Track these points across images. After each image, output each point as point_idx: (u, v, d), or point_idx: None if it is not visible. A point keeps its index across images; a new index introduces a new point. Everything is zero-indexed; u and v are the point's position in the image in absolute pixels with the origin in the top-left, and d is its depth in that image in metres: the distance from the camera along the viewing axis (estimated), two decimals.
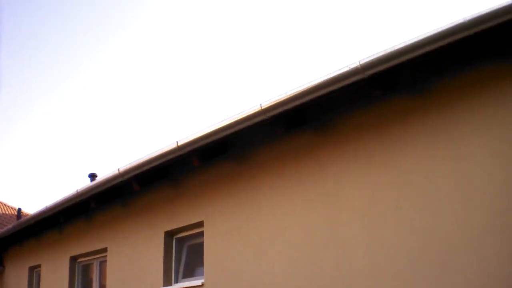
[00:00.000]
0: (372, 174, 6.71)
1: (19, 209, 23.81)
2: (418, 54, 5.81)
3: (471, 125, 5.97)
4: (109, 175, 9.88)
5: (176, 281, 9.68)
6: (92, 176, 15.72)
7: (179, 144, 8.21)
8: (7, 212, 24.44)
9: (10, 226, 15.66)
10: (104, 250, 11.60)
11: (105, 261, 11.67)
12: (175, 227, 9.72)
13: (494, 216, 5.67)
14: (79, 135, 42.47)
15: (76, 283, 12.89)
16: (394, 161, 6.54)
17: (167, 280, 9.63)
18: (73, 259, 12.86)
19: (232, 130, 7.61)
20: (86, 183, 12.92)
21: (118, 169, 9.70)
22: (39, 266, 14.80)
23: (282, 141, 7.79)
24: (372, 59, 6.00)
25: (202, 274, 9.02)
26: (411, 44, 5.76)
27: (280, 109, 6.94)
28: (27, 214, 23.87)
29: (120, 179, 9.70)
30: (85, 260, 12.80)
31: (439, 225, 6.06)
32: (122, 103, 41.94)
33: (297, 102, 6.80)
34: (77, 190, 10.93)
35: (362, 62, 6.03)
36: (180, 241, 9.89)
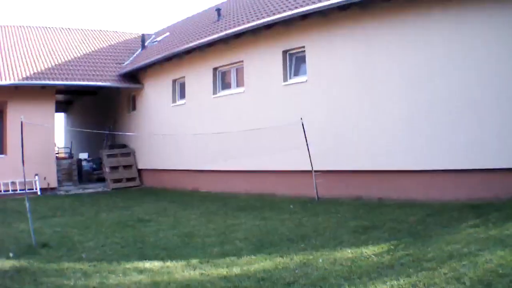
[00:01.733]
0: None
1: (143, 35, 26.73)
2: None
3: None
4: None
5: (290, 78, 15.10)
6: (218, 10, 19.99)
7: None
8: (130, 38, 27.95)
9: (159, 55, 19.50)
10: (240, 62, 16.68)
11: (241, 68, 16.68)
12: (289, 48, 14.94)
13: None
14: None
15: (217, 83, 17.94)
16: None
17: (285, 78, 15.10)
18: (215, 69, 17.87)
19: None
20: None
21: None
22: (182, 77, 19.61)
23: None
24: None
25: (305, 74, 14.49)
26: None
27: None
28: (149, 37, 27.53)
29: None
30: (224, 68, 17.70)
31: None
32: None
33: None
34: (225, 33, 15.84)
35: None
36: (291, 55, 15.12)
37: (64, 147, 31.12)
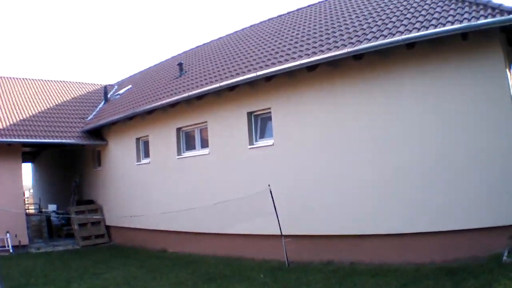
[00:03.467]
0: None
1: (105, 87, 26.40)
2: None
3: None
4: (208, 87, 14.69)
5: (256, 141, 14.69)
6: (180, 65, 19.69)
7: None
8: (92, 89, 27.67)
9: (121, 114, 19.03)
10: (204, 122, 16.24)
11: (205, 128, 16.23)
12: (254, 109, 14.59)
13: None
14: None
15: (181, 143, 17.46)
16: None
17: (250, 141, 14.68)
18: (178, 129, 17.41)
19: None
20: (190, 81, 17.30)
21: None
22: (146, 136, 19.14)
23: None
24: None
25: (271, 136, 14.11)
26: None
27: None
28: (111, 88, 27.32)
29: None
30: (188, 129, 17.25)
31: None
32: None
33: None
34: (188, 94, 15.44)
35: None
36: (256, 116, 14.74)
37: (33, 203, 30.35)
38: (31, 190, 35.66)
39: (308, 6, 20.11)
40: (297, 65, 12.45)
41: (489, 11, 10.21)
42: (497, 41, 10.30)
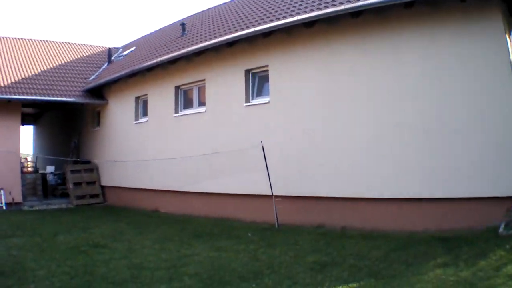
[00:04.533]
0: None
1: (109, 49, 25.92)
2: None
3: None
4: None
5: (253, 99, 14.19)
6: (182, 25, 19.27)
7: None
8: (97, 51, 27.23)
9: (122, 72, 18.58)
10: (202, 80, 15.78)
11: (203, 86, 15.78)
12: (252, 67, 14.09)
13: None
14: None
15: (179, 102, 17.01)
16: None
17: (247, 99, 14.19)
18: (177, 87, 16.97)
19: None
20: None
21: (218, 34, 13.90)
22: (145, 95, 18.79)
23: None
24: None
25: (268, 95, 13.61)
26: None
27: None
28: (116, 50, 26.94)
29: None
30: (186, 87, 16.82)
31: None
32: None
33: None
34: (186, 50, 14.97)
35: None
36: (254, 74, 14.25)
37: (31, 161, 30.01)
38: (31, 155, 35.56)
39: None
40: (294, 21, 11.93)
41: None
42: (497, 8, 9.68)
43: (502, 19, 9.68)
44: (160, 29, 26.59)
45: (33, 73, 21.66)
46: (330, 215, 11.78)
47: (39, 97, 19.65)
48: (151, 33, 27.23)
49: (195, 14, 24.07)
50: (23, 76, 20.87)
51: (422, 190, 10.38)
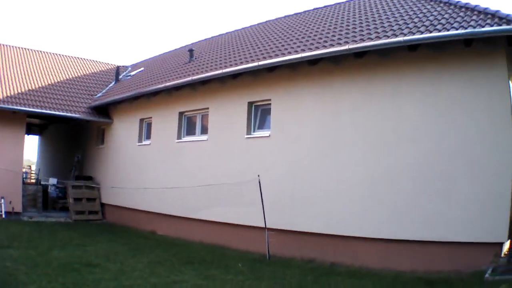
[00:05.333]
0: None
1: (118, 67, 26.35)
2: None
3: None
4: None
5: (254, 131, 14.42)
6: (190, 51, 19.61)
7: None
8: (106, 69, 27.57)
9: (128, 93, 19.01)
10: (206, 109, 16.03)
11: (207, 114, 16.02)
12: (255, 99, 14.32)
13: None
14: None
15: (182, 128, 17.26)
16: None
17: (248, 131, 14.43)
18: (181, 113, 17.22)
19: None
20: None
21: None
22: (150, 118, 19.02)
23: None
24: None
25: (269, 128, 13.83)
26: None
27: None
28: (125, 69, 27.35)
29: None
30: (190, 114, 17.05)
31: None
32: None
33: None
34: (191, 78, 15.26)
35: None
36: (257, 107, 14.48)
37: (34, 173, 30.21)
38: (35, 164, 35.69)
39: (324, 6, 19.79)
40: (299, 58, 12.20)
41: (496, 20, 9.78)
42: (502, 51, 9.80)
43: (506, 64, 9.78)
44: (170, 51, 27.00)
45: (40, 85, 21.88)
46: (321, 250, 11.92)
47: (44, 111, 19.90)
48: (160, 55, 27.68)
49: (205, 39, 24.54)
50: (30, 88, 21.09)
51: (412, 233, 10.50)
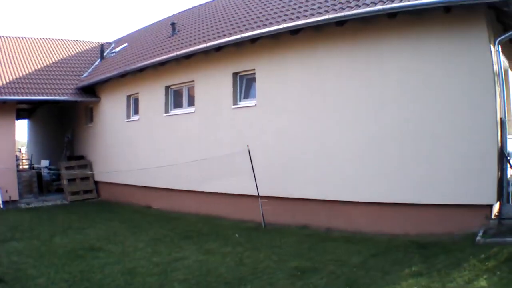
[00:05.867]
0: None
1: (102, 45, 26.13)
2: None
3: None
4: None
5: (240, 101, 14.45)
6: (173, 25, 19.51)
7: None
8: (89, 47, 27.27)
9: (114, 72, 18.94)
10: (192, 81, 16.01)
11: (193, 87, 16.02)
12: (239, 70, 14.32)
13: None
14: None
15: (169, 101, 17.27)
16: None
17: (234, 101, 14.46)
18: (167, 87, 17.20)
19: None
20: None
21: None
22: (136, 93, 19.01)
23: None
24: None
25: (254, 97, 13.88)
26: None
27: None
28: (109, 46, 27.09)
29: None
30: (176, 87, 17.05)
31: None
32: None
33: None
34: (176, 54, 15.19)
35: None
36: (241, 77, 14.47)
37: (26, 158, 30.23)
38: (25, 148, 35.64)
39: None
40: (280, 29, 12.17)
41: None
42: (483, 17, 9.72)
43: (487, 28, 9.72)
44: (152, 24, 26.77)
45: (27, 71, 21.75)
46: (315, 216, 12.09)
47: (32, 97, 19.91)
48: (143, 28, 27.48)
49: (186, 10, 24.34)
50: (15, 76, 20.94)
51: (404, 196, 10.64)
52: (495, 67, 9.79)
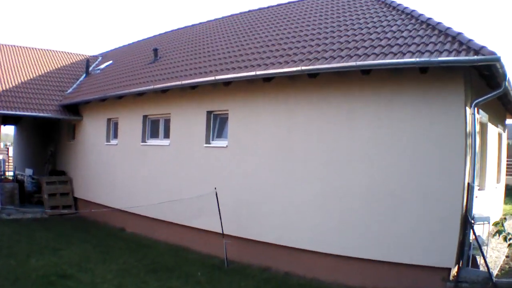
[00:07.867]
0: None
1: (87, 60, 26.43)
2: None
3: None
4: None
5: (213, 140, 14.73)
6: (155, 51, 19.97)
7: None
8: (76, 60, 27.53)
9: (95, 96, 19.20)
10: (168, 114, 16.28)
11: (169, 119, 16.26)
12: (214, 109, 14.60)
13: None
14: None
15: (147, 131, 17.60)
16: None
17: (207, 140, 14.73)
18: (145, 117, 17.50)
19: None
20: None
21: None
22: (116, 118, 19.26)
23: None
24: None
25: (227, 137, 14.14)
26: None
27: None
28: (95, 59, 27.39)
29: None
30: (154, 117, 17.32)
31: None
32: None
33: None
34: (153, 87, 15.49)
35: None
36: (215, 116, 14.74)
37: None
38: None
39: (279, 4, 20.28)
40: (254, 75, 12.29)
41: (456, 45, 9.56)
42: (460, 78, 9.68)
43: (464, 90, 9.61)
44: (138, 41, 27.25)
45: (11, 83, 22.06)
46: (276, 260, 12.33)
47: (17, 113, 20.36)
48: (129, 44, 27.93)
49: (171, 31, 24.88)
50: (2, 88, 21.32)
51: (362, 251, 10.68)
52: (469, 128, 9.76)
